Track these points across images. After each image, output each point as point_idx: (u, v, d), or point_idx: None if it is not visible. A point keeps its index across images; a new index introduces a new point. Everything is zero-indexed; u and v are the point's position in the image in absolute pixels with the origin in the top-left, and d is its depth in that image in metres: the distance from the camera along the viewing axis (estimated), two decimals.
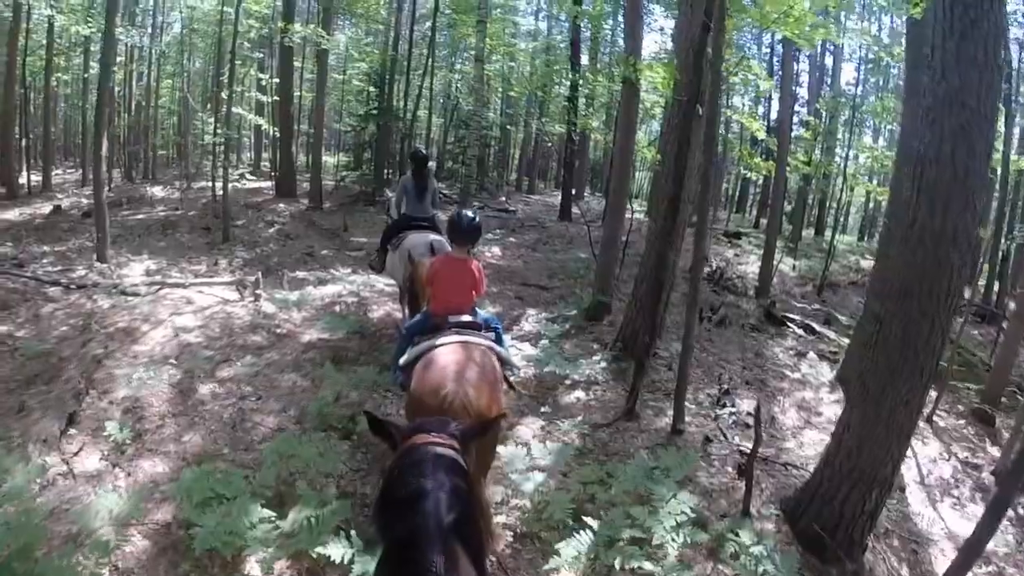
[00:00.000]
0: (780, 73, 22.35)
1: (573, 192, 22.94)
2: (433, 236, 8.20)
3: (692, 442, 7.24)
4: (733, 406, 8.36)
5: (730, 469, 6.83)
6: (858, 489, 5.45)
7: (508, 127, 31.42)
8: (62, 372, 8.11)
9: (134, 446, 6.56)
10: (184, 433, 6.81)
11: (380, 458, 6.14)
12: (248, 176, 25.99)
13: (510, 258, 15.65)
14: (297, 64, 24.55)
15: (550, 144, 34.42)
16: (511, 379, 5.82)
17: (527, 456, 6.18)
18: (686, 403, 7.59)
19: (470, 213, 5.58)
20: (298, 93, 25.79)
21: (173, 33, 28.32)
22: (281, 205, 19.77)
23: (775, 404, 8.89)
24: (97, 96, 14.36)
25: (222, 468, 5.97)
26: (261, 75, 23.60)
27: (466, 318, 5.20)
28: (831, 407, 8.89)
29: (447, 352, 4.68)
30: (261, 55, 25.67)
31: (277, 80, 21.41)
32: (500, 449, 6.41)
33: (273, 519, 4.97)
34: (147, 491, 5.66)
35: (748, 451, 6.08)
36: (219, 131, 15.59)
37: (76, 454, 6.38)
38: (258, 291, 10.63)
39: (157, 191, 22.68)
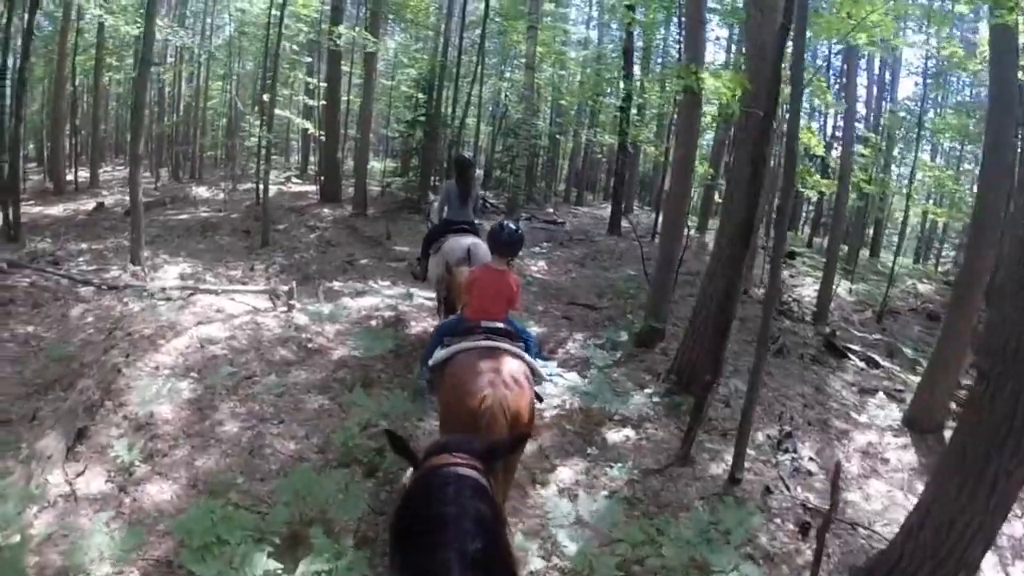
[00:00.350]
0: (840, 86, 21.27)
1: (622, 205, 22.18)
2: (471, 240, 8.01)
3: (751, 493, 6.54)
4: (795, 451, 7.62)
5: (792, 526, 6.13)
6: (943, 570, 4.81)
7: (557, 136, 30.76)
8: (81, 379, 7.67)
9: (143, 468, 6.09)
10: (198, 456, 6.31)
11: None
12: (295, 179, 25.76)
13: (557, 273, 14.94)
14: (345, 68, 24.12)
15: (600, 155, 33.69)
16: (537, 390, 5.47)
17: (571, 509, 5.52)
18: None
19: (512, 225, 5.53)
20: (346, 98, 25.39)
21: (223, 35, 28.16)
22: (325, 210, 19.25)
23: (839, 448, 8.12)
24: (134, 95, 14.08)
25: (233, 500, 5.49)
26: (309, 79, 23.24)
27: (499, 324, 5.14)
28: (897, 453, 8.14)
29: (479, 355, 4.72)
30: (310, 59, 25.34)
31: (324, 84, 20.98)
32: (542, 494, 5.95)
33: (279, 573, 4.36)
34: (149, 522, 5.24)
35: (812, 505, 5.96)
36: (261, 134, 15.09)
37: (81, 474, 5.92)
38: (291, 301, 10.07)
39: (202, 191, 22.44)
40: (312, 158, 30.69)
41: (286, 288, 10.53)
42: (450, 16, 23.69)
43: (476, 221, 8.91)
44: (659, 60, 27.20)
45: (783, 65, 6.18)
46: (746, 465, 6.80)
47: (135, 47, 23.93)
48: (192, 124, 28.47)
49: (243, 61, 29.30)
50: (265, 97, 16.10)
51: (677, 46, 22.51)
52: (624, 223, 21.06)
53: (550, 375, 7.63)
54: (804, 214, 35.28)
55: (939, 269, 26.43)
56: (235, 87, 28.49)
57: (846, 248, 23.30)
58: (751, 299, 13.42)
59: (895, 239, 32.51)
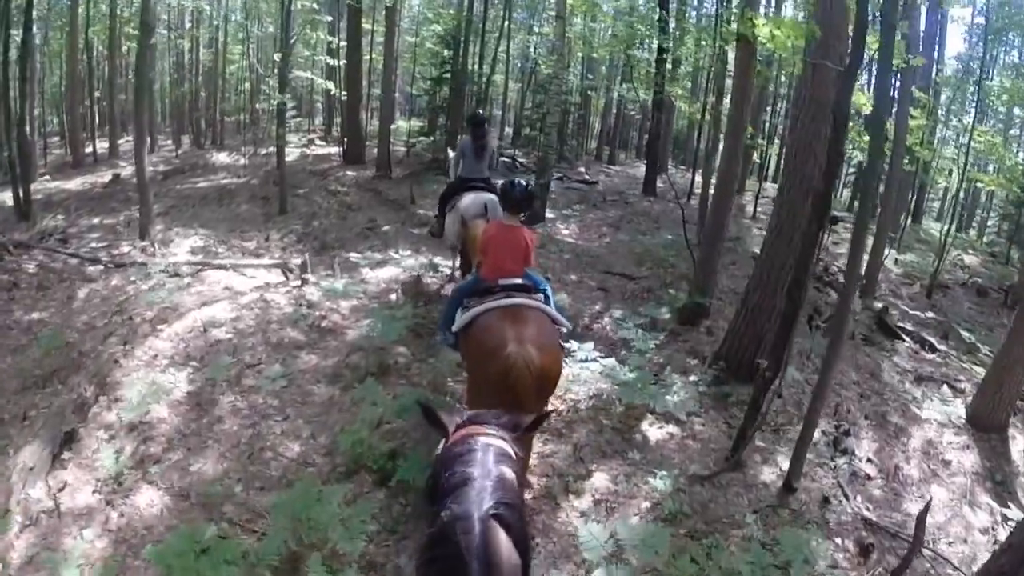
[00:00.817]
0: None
1: (657, 165, 21.15)
2: (488, 196, 7.91)
3: (808, 504, 5.77)
4: (853, 453, 6.81)
5: (852, 547, 5.38)
6: None
7: (589, 93, 29.61)
8: (79, 370, 7.29)
9: (133, 476, 5.54)
10: (193, 460, 5.72)
11: (421, 515, 4.89)
12: (318, 141, 24.95)
13: (590, 238, 14.02)
14: (368, 26, 23.12)
15: (633, 112, 32.43)
16: (563, 334, 5.52)
17: (608, 531, 4.77)
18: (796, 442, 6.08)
19: (523, 181, 5.53)
20: (369, 57, 24.42)
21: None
22: (348, 173, 18.37)
23: (897, 446, 7.29)
24: (136, 60, 13.32)
25: (227, 515, 4.96)
26: (331, 38, 22.34)
27: (516, 280, 5.18)
28: (958, 454, 7.32)
29: (502, 314, 4.72)
30: (331, 18, 24.37)
31: (345, 43, 20.06)
32: (576, 506, 5.31)
33: None
34: (135, 541, 4.79)
35: (873, 519, 5.55)
36: (277, 96, 14.21)
37: (64, 488, 5.40)
38: (305, 275, 9.34)
39: (223, 157, 21.72)
40: (338, 119, 29.82)
41: (299, 261, 9.78)
42: None
43: (490, 174, 8.91)
44: (693, 12, 25.90)
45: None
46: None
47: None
48: (212, 89, 27.67)
49: (263, 23, 28.34)
50: (276, 57, 15.25)
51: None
52: (659, 183, 20.13)
53: (585, 358, 7.20)
54: (843, 176, 33.80)
55: (983, 239, 25.09)
56: (253, 50, 27.56)
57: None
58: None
59: (935, 205, 31.24)
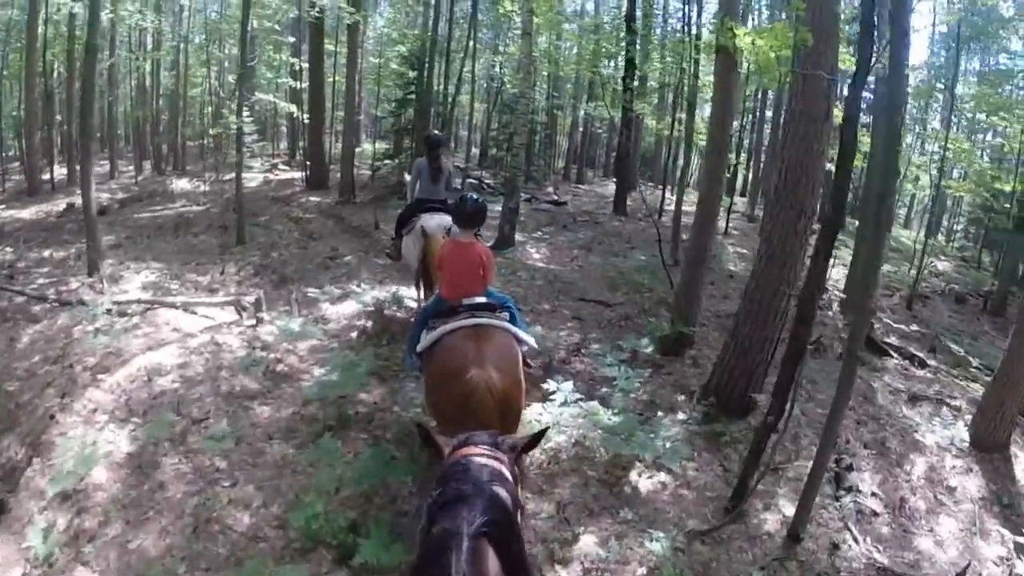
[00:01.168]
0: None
1: (627, 183, 20.63)
2: (447, 218, 7.51)
3: (815, 553, 5.26)
4: (857, 490, 6.32)
5: None
6: None
7: (555, 112, 29.06)
8: (13, 427, 6.62)
9: (66, 555, 4.86)
10: (132, 535, 5.02)
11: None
12: (282, 166, 24.13)
13: (562, 261, 13.41)
14: (331, 47, 22.36)
15: (599, 130, 31.94)
16: (527, 356, 5.36)
17: None
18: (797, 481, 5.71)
19: (475, 197, 5.53)
20: (332, 79, 23.69)
21: (201, 19, 26.25)
22: (311, 198, 17.66)
23: (900, 476, 6.83)
24: (82, 84, 12.56)
25: None
26: (294, 60, 21.63)
27: (479, 300, 5.08)
28: (961, 478, 6.95)
29: (465, 335, 4.62)
30: (294, 39, 23.67)
31: (307, 64, 19.39)
32: None
33: None
34: None
35: (887, 565, 5.22)
36: (234, 121, 13.45)
37: None
38: (259, 314, 8.61)
39: (183, 184, 20.79)
40: (302, 143, 29.05)
41: (252, 299, 9.04)
42: None
43: (448, 195, 8.64)
44: (657, 30, 25.47)
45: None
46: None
47: (110, 35, 22.38)
48: (174, 113, 26.71)
49: (225, 45, 27.48)
50: (231, 79, 14.51)
51: (679, 14, 21.14)
52: (629, 201, 19.64)
53: (566, 400, 6.62)
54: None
55: (953, 244, 24.94)
56: (214, 72, 26.69)
57: (856, 223, 21.86)
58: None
59: (901, 212, 31.11)
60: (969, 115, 23.70)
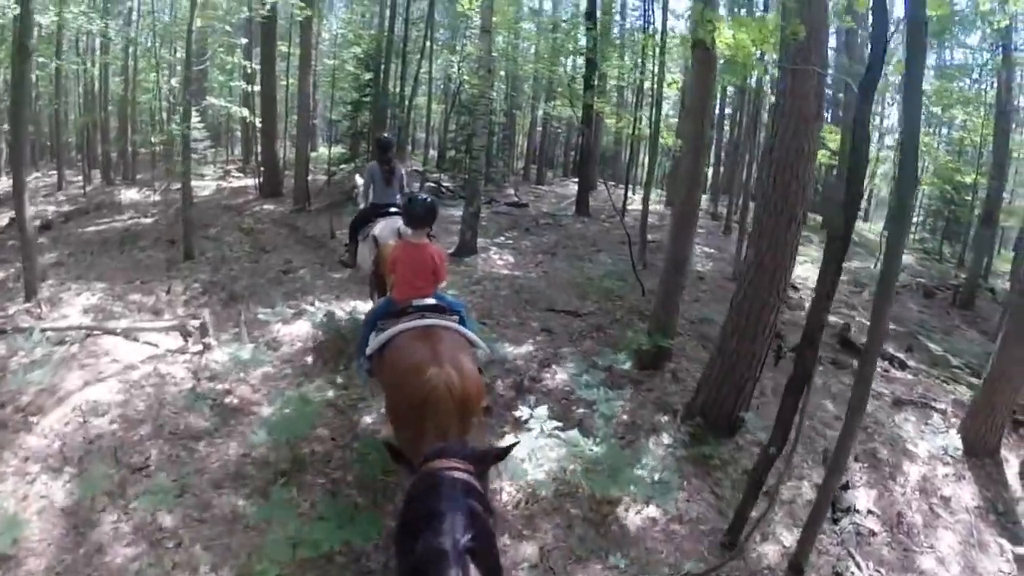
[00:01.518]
0: None
1: (589, 182, 20.14)
2: (399, 222, 7.23)
3: None
4: (854, 510, 6.03)
5: None
6: None
7: (514, 112, 28.43)
8: None
9: None
10: None
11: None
12: (235, 173, 23.17)
13: (526, 267, 12.74)
14: (284, 49, 21.51)
15: (558, 130, 31.37)
16: (480, 357, 5.21)
17: None
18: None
19: (424, 196, 5.55)
20: (286, 82, 22.83)
21: (151, 20, 25.00)
22: (265, 207, 16.80)
23: (895, 488, 6.58)
24: (12, 90, 11.67)
25: None
26: (246, 62, 20.73)
27: (430, 301, 5.00)
28: (955, 487, 6.81)
29: (416, 336, 4.53)
30: (246, 40, 22.72)
31: (259, 67, 18.53)
32: None
33: None
34: None
35: None
36: (178, 128, 12.61)
37: None
38: (206, 339, 7.87)
39: (132, 194, 19.66)
40: (256, 149, 28.05)
41: (198, 322, 8.27)
42: None
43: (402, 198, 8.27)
44: (616, 28, 24.97)
45: None
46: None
47: (56, 39, 21.19)
48: (124, 120, 25.49)
49: (177, 48, 26.14)
50: (175, 82, 13.65)
51: (635, 12, 20.73)
52: (591, 201, 19.15)
53: (542, 430, 5.97)
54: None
55: (914, 237, 24.85)
56: (168, 77, 25.45)
57: (820, 218, 21.64)
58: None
59: (861, 205, 31.10)
60: (930, 109, 23.71)
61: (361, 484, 5.36)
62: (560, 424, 6.13)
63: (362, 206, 8.64)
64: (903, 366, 9.78)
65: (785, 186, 5.98)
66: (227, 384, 6.92)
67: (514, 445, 3.06)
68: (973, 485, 6.93)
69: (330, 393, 6.84)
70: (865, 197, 29.42)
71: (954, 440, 7.50)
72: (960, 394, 9.09)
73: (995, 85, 16.39)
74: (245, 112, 17.72)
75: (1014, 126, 17.15)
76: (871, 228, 24.84)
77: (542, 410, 6.28)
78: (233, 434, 6.07)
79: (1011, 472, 7.36)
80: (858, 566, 5.31)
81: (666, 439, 6.46)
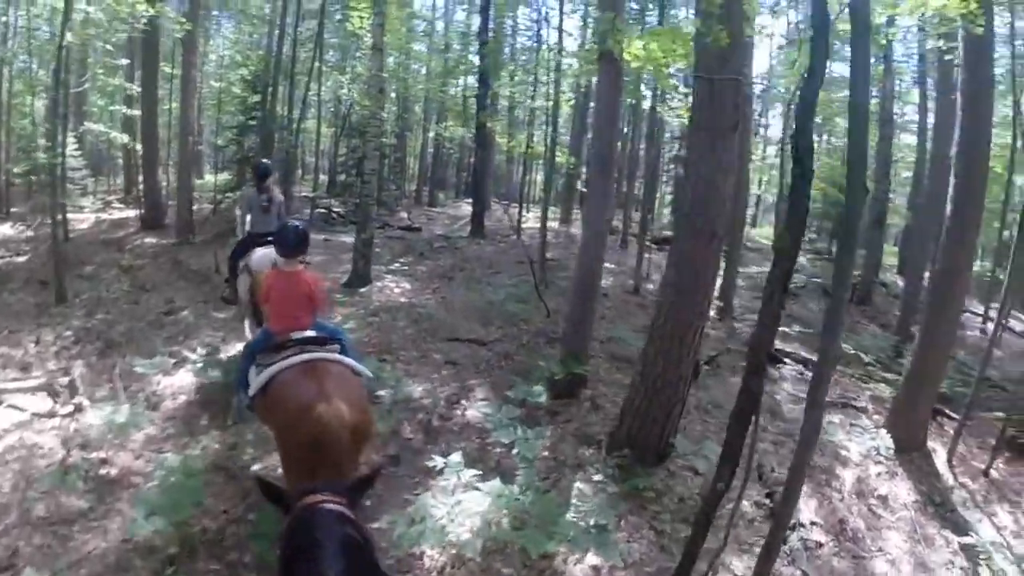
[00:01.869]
0: None
1: (483, 203, 19.69)
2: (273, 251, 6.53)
3: None
4: (799, 524, 5.88)
5: None
6: None
7: (405, 133, 27.72)
8: None
9: None
10: None
11: None
12: (117, 204, 21.43)
13: (424, 294, 12.04)
14: (169, 69, 19.98)
15: (450, 150, 30.79)
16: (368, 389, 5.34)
17: None
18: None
19: (296, 223, 5.39)
20: (169, 106, 21.35)
21: (25, 38, 22.87)
22: (147, 240, 15.32)
23: (833, 494, 6.58)
24: None
25: None
26: (129, 84, 19.29)
27: (309, 333, 4.82)
28: (889, 484, 6.96)
29: (301, 372, 4.32)
30: (128, 61, 21.19)
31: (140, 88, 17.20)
32: None
33: None
34: None
35: None
36: (45, 157, 11.38)
37: None
38: (77, 399, 6.90)
39: (6, 230, 17.68)
40: (140, 177, 26.15)
41: (67, 379, 7.28)
42: (286, 7, 19.71)
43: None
44: (507, 48, 24.68)
45: None
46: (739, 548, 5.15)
47: None
48: None
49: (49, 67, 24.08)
50: (39, 104, 12.31)
51: (528, 33, 20.45)
52: (486, 221, 18.71)
53: (458, 480, 5.58)
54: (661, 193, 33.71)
55: (804, 239, 25.48)
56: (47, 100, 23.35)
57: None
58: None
59: (748, 212, 31.85)
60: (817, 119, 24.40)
61: (260, 566, 4.62)
62: (479, 472, 5.61)
63: (240, 236, 8.12)
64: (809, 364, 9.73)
65: (705, 203, 5.72)
66: (103, 452, 5.96)
67: (379, 469, 3.15)
68: (907, 481, 7.06)
69: (219, 453, 6.03)
70: (752, 203, 30.21)
71: (884, 439, 7.68)
72: (879, 391, 9.27)
73: (877, 94, 16.91)
74: (126, 138, 16.40)
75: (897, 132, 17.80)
76: (760, 233, 25.29)
77: (456, 457, 5.79)
78: (112, 514, 5.17)
79: (939, 462, 7.61)
80: None
81: (594, 475, 6.00)
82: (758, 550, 4.84)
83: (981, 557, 5.89)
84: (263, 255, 6.95)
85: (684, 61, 6.00)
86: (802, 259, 18.40)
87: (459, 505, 5.20)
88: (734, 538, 5.32)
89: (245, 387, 4.81)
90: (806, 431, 3.87)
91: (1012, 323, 12.95)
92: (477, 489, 5.37)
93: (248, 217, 8.02)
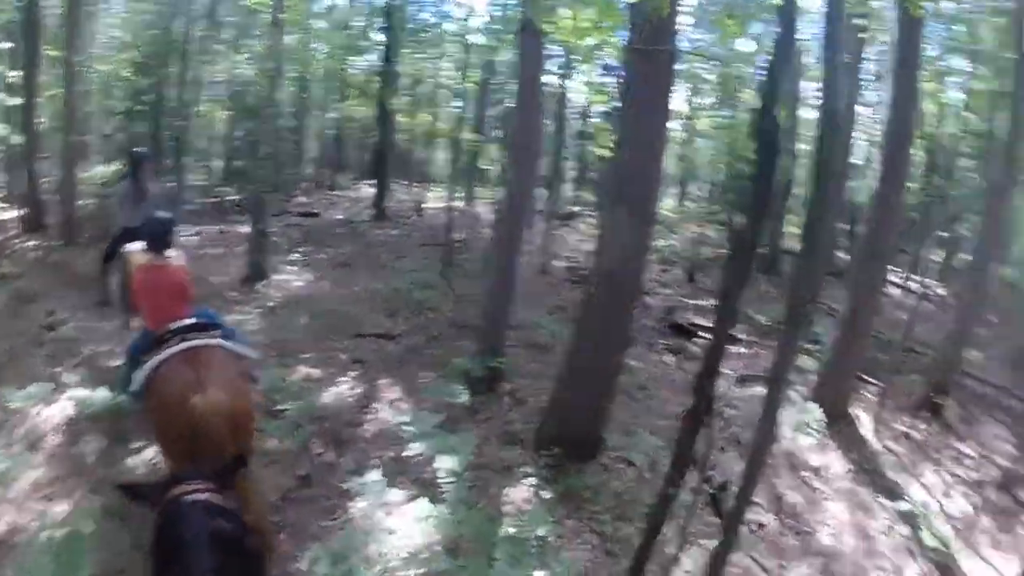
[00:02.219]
0: None
1: (386, 185, 18.85)
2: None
3: None
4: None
5: None
6: None
7: (305, 114, 26.40)
8: None
9: None
10: None
11: None
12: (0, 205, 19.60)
13: (325, 287, 11.10)
14: (55, 53, 18.13)
15: (351, 130, 29.56)
16: (251, 369, 5.05)
17: None
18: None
19: (159, 214, 5.06)
20: (57, 94, 19.61)
21: None
22: (29, 243, 13.47)
23: (767, 470, 6.17)
24: None
25: None
26: (12, 72, 17.51)
27: (188, 321, 4.51)
28: (821, 456, 7.02)
29: (180, 361, 4.12)
30: (13, 45, 19.30)
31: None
32: None
33: None
34: None
35: None
36: None
37: None
38: None
39: None
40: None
41: None
42: None
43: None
44: (411, 23, 23.76)
45: None
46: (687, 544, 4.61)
47: None
48: None
49: None
50: None
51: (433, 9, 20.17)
52: (390, 203, 18.19)
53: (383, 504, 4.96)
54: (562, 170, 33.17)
55: (701, 208, 25.47)
56: None
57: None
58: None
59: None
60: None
61: None
62: (402, 493, 5.05)
63: (116, 231, 7.59)
64: (735, 340, 9.50)
65: (636, 183, 5.33)
66: None
67: (250, 452, 3.12)
68: (837, 451, 7.14)
69: (111, 495, 5.03)
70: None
71: (814, 411, 7.58)
72: (801, 363, 9.00)
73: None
74: (3, 130, 14.84)
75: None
76: (662, 205, 25.15)
77: (375, 475, 5.15)
78: None
79: (864, 429, 7.73)
80: (765, 570, 5.04)
81: (524, 479, 5.55)
82: (703, 541, 4.79)
83: (919, 521, 5.94)
84: (134, 250, 5.99)
85: (611, 34, 5.58)
86: (708, 232, 18.24)
87: (385, 535, 4.60)
88: (678, 530, 4.92)
89: (129, 388, 4.55)
90: (759, 436, 3.70)
91: (912, 286, 13.03)
92: (401, 513, 4.81)
93: (122, 211, 7.55)
